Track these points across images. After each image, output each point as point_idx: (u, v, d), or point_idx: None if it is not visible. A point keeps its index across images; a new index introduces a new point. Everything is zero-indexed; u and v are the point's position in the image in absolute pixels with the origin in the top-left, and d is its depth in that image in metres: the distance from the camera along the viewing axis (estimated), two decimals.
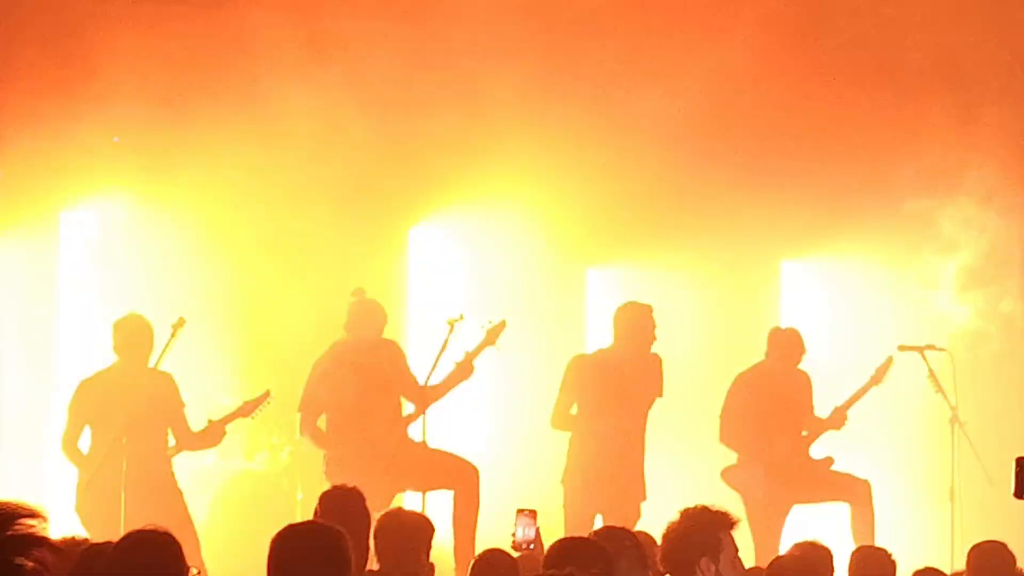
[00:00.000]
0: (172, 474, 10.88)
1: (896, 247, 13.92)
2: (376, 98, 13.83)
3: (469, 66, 14.09)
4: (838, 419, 12.12)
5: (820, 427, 12.15)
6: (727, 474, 11.82)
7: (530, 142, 13.69)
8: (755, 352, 13.79)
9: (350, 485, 10.61)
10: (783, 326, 12.44)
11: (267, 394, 10.91)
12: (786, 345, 12.16)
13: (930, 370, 11.96)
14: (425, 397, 11.04)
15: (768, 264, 14.70)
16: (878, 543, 7.54)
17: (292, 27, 13.74)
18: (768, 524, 11.39)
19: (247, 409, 10.93)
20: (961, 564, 10.44)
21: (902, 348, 12.19)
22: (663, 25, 13.90)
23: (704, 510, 6.45)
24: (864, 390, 12.17)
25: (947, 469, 11.93)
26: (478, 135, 13.99)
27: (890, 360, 12.19)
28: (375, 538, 6.82)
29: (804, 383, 12.19)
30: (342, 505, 6.60)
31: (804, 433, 12.14)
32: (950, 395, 11.88)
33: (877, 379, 12.22)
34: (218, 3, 13.71)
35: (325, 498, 6.80)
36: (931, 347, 12.14)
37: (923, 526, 12.83)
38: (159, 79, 13.40)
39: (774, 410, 11.89)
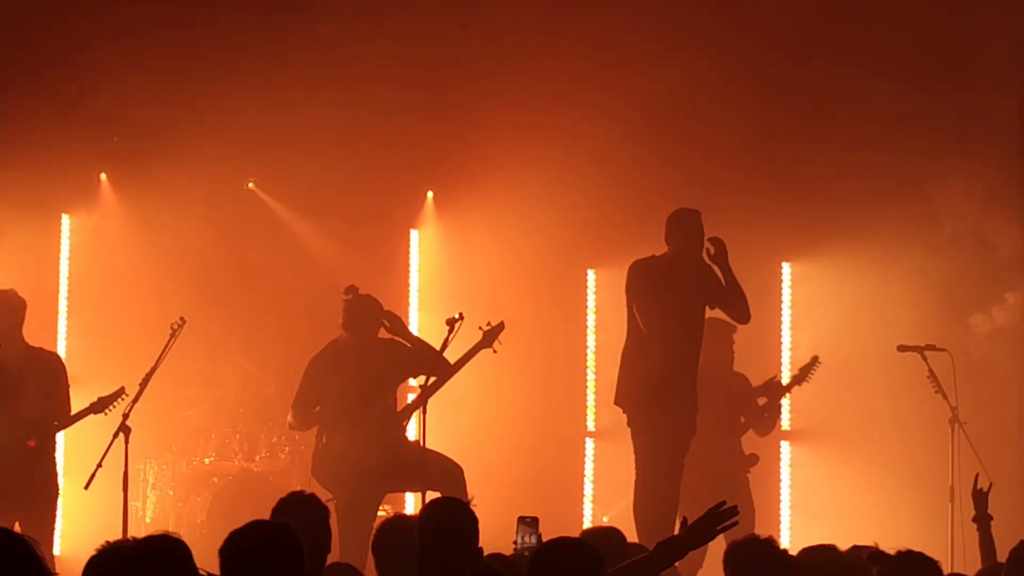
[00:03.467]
0: (53, 464, 10.84)
1: (897, 247, 13.92)
2: (377, 98, 13.85)
3: (473, 67, 14.12)
4: (771, 410, 12.26)
5: (755, 417, 12.26)
6: None
7: (531, 142, 13.71)
8: (756, 352, 13.80)
9: (332, 494, 10.66)
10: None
11: (121, 390, 10.86)
12: (712, 339, 12.15)
13: (930, 370, 11.95)
14: (444, 367, 10.94)
15: (769, 264, 14.71)
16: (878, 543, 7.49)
17: (287, 30, 13.77)
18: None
19: (99, 406, 10.86)
20: (960, 565, 10.47)
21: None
22: (664, 25, 13.90)
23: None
24: (788, 388, 12.29)
25: (947, 469, 11.92)
26: (479, 135, 14.01)
27: (814, 359, 12.28)
28: (374, 544, 6.80)
29: (743, 382, 12.25)
30: (299, 508, 6.57)
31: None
32: (950, 395, 11.87)
33: (800, 379, 12.32)
34: (217, 5, 13.74)
35: (280, 506, 6.77)
36: (931, 347, 12.13)
37: (923, 526, 12.83)
38: (159, 80, 13.43)
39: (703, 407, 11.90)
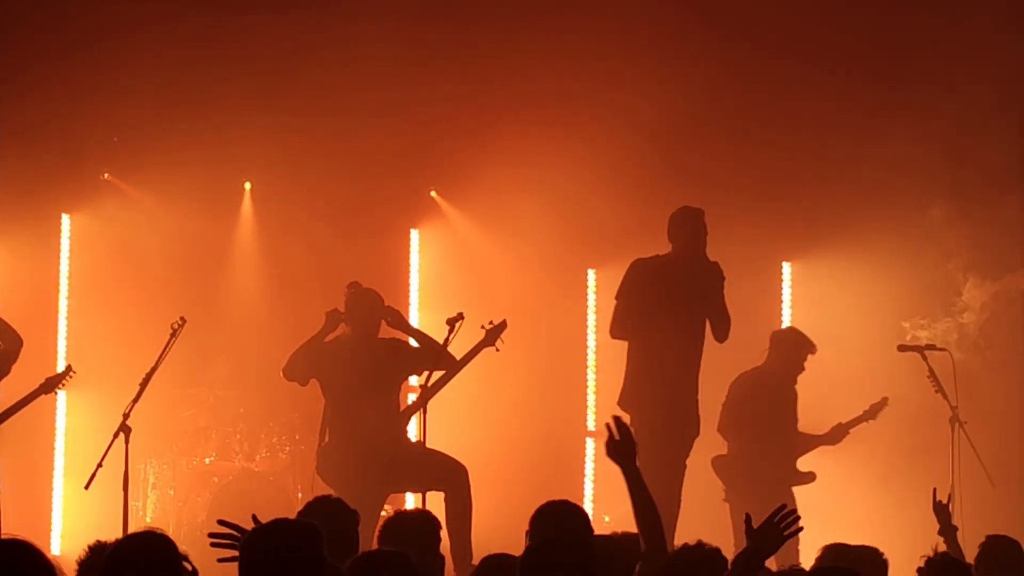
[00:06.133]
0: None
1: (897, 247, 13.93)
2: (378, 98, 13.86)
3: (475, 67, 14.12)
4: (838, 436, 12.23)
5: (816, 442, 12.22)
6: (716, 462, 11.88)
7: (532, 142, 13.71)
8: (757, 351, 13.81)
9: (334, 492, 10.63)
10: (783, 327, 12.41)
11: (68, 369, 10.90)
12: (787, 348, 12.17)
13: (930, 370, 11.94)
14: (448, 360, 10.90)
15: (770, 264, 14.72)
16: (876, 542, 7.49)
17: (294, 29, 13.77)
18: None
19: (49, 385, 10.91)
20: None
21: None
22: (667, 26, 13.91)
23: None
24: (859, 420, 12.30)
25: (947, 469, 11.91)
26: (480, 136, 14.01)
27: (884, 400, 12.28)
28: (379, 541, 6.78)
29: (794, 394, 12.24)
30: (327, 512, 6.56)
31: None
32: (950, 395, 11.86)
33: (871, 415, 12.32)
34: (220, 5, 13.74)
35: (309, 508, 6.77)
36: (931, 347, 12.13)
37: (923, 526, 12.82)
38: (159, 80, 13.43)
39: (768, 411, 11.90)
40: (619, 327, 11.17)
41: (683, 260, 11.04)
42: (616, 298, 11.18)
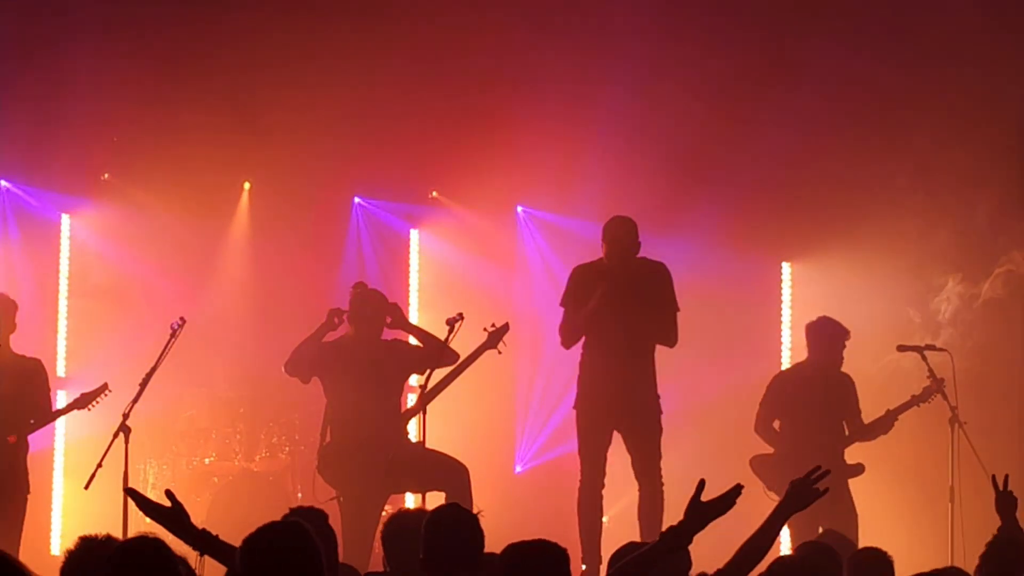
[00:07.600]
0: (24, 462, 10.80)
1: (897, 247, 13.93)
2: (379, 98, 13.86)
3: (476, 66, 14.12)
4: (888, 423, 11.97)
5: (867, 430, 12.00)
6: (756, 462, 11.73)
7: (532, 142, 13.71)
8: (757, 351, 13.81)
9: (335, 492, 10.62)
10: (815, 318, 12.25)
11: (104, 386, 10.87)
12: (821, 339, 12.01)
13: (930, 370, 11.93)
14: (450, 356, 10.87)
15: (769, 264, 14.71)
16: (877, 543, 7.50)
17: (288, 28, 13.78)
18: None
19: (84, 401, 10.89)
20: (960, 565, 10.45)
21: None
22: (665, 26, 13.91)
23: None
24: (909, 405, 12.02)
25: (947, 469, 11.91)
26: (480, 136, 14.01)
27: (941, 381, 11.98)
28: (383, 542, 6.78)
29: (847, 384, 12.01)
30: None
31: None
32: (950, 395, 11.85)
33: (923, 398, 12.04)
34: (220, 4, 13.76)
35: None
36: (931, 347, 12.12)
37: (923, 526, 12.84)
38: (159, 80, 13.44)
39: (814, 405, 11.76)
40: (566, 334, 11.11)
41: (609, 268, 10.98)
42: (560, 305, 11.12)
